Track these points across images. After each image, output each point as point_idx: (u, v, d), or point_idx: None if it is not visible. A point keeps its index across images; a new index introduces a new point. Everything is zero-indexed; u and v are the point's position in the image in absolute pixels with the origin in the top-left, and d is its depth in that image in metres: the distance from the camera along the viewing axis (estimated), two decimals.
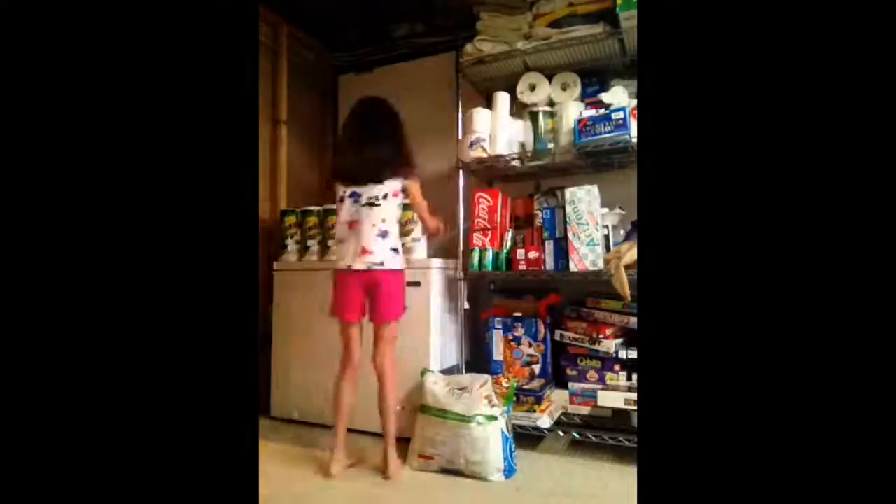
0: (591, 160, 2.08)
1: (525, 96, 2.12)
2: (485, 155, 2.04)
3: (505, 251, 2.04)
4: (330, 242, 2.29)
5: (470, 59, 2.11)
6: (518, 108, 2.15)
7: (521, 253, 1.96)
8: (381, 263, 1.61)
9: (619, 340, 1.90)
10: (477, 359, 2.25)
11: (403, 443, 1.83)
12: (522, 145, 2.11)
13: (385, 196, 1.64)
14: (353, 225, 1.64)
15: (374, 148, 1.64)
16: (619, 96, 1.91)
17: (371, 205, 1.63)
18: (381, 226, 1.63)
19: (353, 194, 1.65)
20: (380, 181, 1.64)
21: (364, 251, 1.61)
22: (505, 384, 1.82)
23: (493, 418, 1.64)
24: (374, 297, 1.66)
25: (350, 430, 2.05)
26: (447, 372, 2.02)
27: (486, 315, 2.16)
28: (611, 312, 1.92)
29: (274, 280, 2.32)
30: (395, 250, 1.66)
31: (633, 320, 1.86)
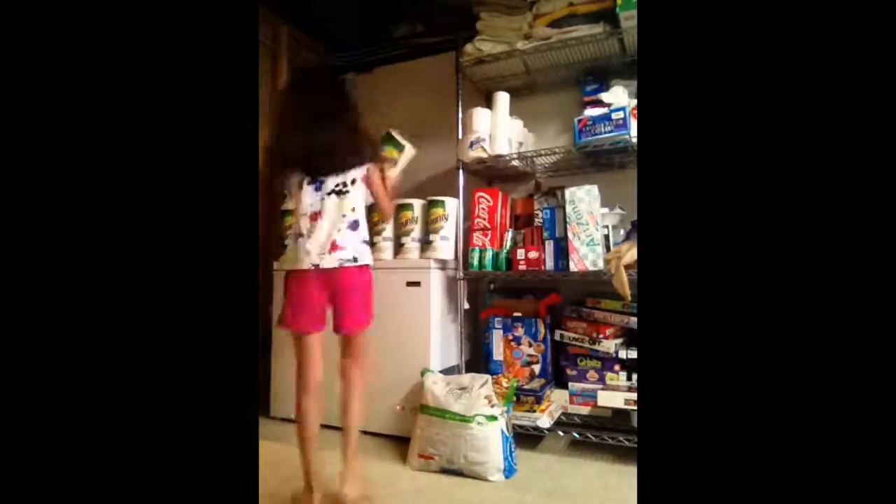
0: (591, 160, 2.09)
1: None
2: (485, 155, 2.04)
3: (505, 251, 2.04)
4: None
5: (470, 59, 2.11)
6: None
7: (520, 253, 1.96)
8: (355, 259, 1.42)
9: (619, 340, 1.90)
10: (477, 359, 2.25)
11: (403, 443, 1.83)
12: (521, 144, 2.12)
13: (353, 182, 1.45)
14: (316, 217, 1.42)
15: (330, 130, 1.43)
16: (619, 96, 1.91)
17: (339, 193, 1.43)
18: (351, 216, 1.43)
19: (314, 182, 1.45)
20: (345, 168, 1.45)
21: (334, 246, 1.40)
22: (505, 384, 1.82)
23: (493, 418, 1.64)
24: (340, 300, 1.46)
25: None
26: (447, 372, 2.02)
27: (486, 315, 2.16)
28: (611, 312, 1.92)
29: (274, 280, 2.32)
30: (367, 243, 1.47)
31: (633, 320, 1.86)
